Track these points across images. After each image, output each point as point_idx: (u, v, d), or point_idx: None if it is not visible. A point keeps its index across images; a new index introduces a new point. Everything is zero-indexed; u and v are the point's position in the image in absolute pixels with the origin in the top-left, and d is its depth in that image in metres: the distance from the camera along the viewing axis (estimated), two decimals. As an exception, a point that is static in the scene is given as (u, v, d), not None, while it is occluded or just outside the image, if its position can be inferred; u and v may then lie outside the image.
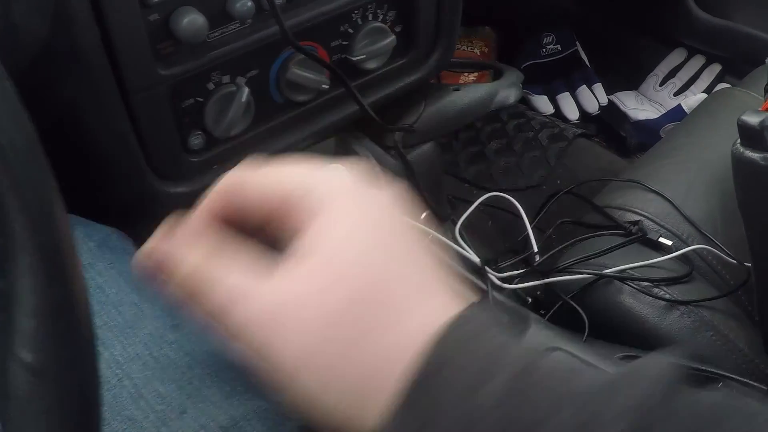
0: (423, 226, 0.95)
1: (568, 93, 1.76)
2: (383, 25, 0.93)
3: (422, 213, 1.06)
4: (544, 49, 1.82)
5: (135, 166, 0.81)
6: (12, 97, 0.40)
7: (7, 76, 0.41)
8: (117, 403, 0.62)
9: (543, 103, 1.75)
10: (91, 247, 0.75)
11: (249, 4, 0.78)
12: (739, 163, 0.70)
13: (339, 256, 0.39)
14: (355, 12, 0.90)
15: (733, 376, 0.86)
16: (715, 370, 0.85)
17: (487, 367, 0.37)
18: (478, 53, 1.78)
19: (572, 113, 1.74)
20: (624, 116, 1.74)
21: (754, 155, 0.68)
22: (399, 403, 0.37)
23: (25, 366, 0.38)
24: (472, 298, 0.42)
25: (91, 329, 0.42)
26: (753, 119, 0.67)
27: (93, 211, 0.81)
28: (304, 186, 0.42)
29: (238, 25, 0.80)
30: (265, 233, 0.44)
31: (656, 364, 0.38)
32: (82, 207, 0.82)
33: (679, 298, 0.94)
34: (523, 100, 1.76)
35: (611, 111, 1.76)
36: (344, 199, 0.41)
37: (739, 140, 0.69)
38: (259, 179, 0.44)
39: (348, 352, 0.38)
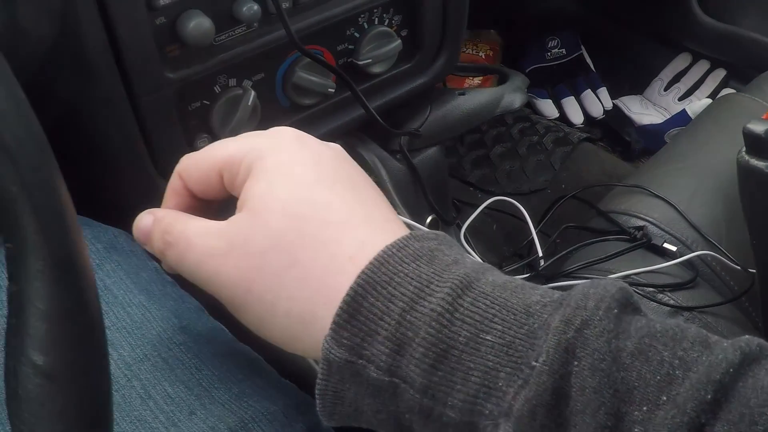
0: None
1: (572, 97, 1.77)
2: (389, 29, 0.93)
3: (428, 216, 1.06)
4: (549, 53, 1.83)
5: (142, 168, 0.81)
6: (23, 103, 0.40)
7: (17, 83, 0.41)
8: (126, 404, 0.63)
9: (548, 107, 1.75)
10: (98, 248, 0.76)
11: (255, 7, 0.78)
12: (744, 172, 0.70)
13: (262, 202, 0.45)
14: (362, 16, 0.90)
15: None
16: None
17: (427, 284, 0.39)
18: (483, 56, 1.79)
19: (577, 117, 1.74)
20: (628, 121, 1.74)
21: (760, 164, 0.68)
22: (338, 323, 0.40)
23: (36, 369, 0.39)
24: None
25: (102, 332, 0.42)
26: (758, 128, 0.67)
27: (100, 212, 0.81)
28: (241, 151, 0.47)
29: (244, 28, 0.81)
30: (227, 200, 0.50)
31: (607, 285, 0.39)
32: (90, 208, 0.82)
33: (683, 304, 0.94)
34: (528, 104, 1.76)
35: (616, 115, 1.76)
36: (272, 155, 0.46)
37: (744, 148, 0.69)
38: (202, 155, 0.51)
39: (282, 281, 0.43)
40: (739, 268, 0.99)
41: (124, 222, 0.82)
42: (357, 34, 0.91)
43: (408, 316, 0.38)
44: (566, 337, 0.36)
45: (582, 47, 1.84)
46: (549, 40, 1.83)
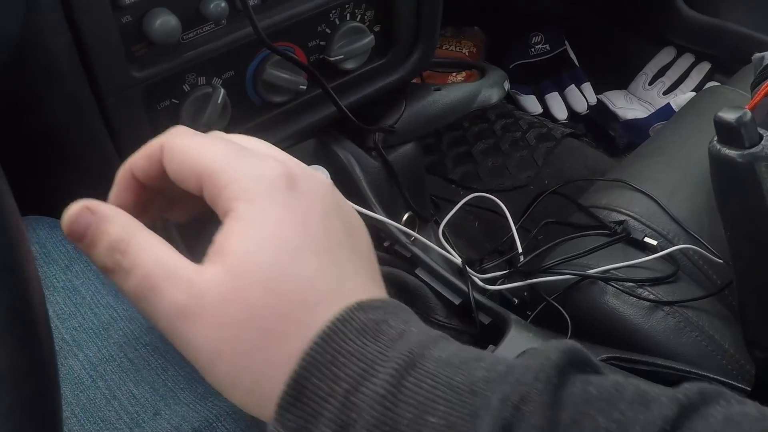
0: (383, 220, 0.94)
1: (556, 92, 1.76)
2: (361, 24, 0.92)
3: (404, 214, 1.05)
4: (532, 49, 1.82)
5: (110, 170, 0.80)
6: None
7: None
8: (91, 405, 0.63)
9: (531, 103, 1.74)
10: (68, 249, 0.75)
11: (222, 4, 0.77)
12: (716, 161, 0.69)
13: (244, 265, 0.40)
14: (333, 12, 0.89)
15: (716, 377, 0.85)
16: (698, 371, 0.85)
17: (372, 365, 0.38)
18: (467, 53, 1.78)
19: (561, 113, 1.74)
20: (613, 116, 1.73)
21: (731, 153, 0.67)
22: (283, 406, 0.38)
23: (-22, 370, 0.38)
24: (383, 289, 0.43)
25: (48, 332, 0.41)
26: (730, 116, 0.66)
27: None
28: (226, 176, 0.42)
29: (212, 26, 0.80)
30: (189, 201, 0.46)
31: (550, 351, 0.38)
32: (59, 211, 0.81)
33: (664, 299, 0.93)
34: (512, 100, 1.76)
35: (600, 110, 1.76)
36: (259, 204, 0.41)
37: (716, 137, 0.68)
38: (182, 153, 0.44)
39: (252, 361, 0.40)
40: (721, 261, 0.98)
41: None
42: (328, 30, 0.90)
43: (352, 398, 0.37)
44: (504, 415, 0.36)
45: (566, 43, 1.83)
46: (533, 36, 1.83)
